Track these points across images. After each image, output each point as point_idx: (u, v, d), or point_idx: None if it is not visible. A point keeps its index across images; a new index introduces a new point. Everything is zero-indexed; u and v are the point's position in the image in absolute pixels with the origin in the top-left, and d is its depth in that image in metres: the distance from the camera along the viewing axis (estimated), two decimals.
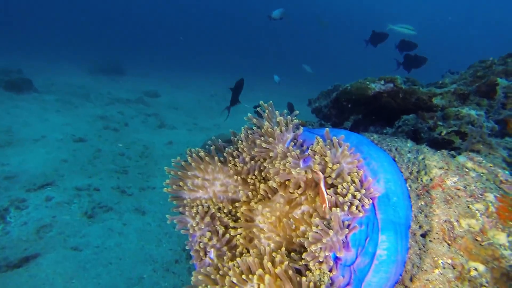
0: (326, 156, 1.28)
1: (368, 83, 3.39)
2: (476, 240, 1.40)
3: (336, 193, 1.29)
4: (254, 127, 1.59)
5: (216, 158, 1.58)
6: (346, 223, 1.24)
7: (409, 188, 1.65)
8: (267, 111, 1.53)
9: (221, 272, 1.29)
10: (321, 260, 1.18)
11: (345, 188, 1.26)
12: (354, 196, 1.24)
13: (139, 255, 3.91)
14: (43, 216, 4.11)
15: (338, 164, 1.28)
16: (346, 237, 1.22)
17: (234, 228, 1.49)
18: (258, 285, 1.14)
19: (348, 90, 3.50)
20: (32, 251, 3.53)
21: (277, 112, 1.57)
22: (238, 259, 1.30)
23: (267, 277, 1.12)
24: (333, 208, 1.17)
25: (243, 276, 1.20)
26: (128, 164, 6.55)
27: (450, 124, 2.26)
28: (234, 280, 1.22)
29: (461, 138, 2.07)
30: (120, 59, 17.46)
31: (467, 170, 1.59)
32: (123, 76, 15.93)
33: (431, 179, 1.62)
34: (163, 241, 4.33)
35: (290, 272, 1.18)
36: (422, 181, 1.64)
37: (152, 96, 12.68)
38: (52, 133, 6.93)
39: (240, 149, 1.58)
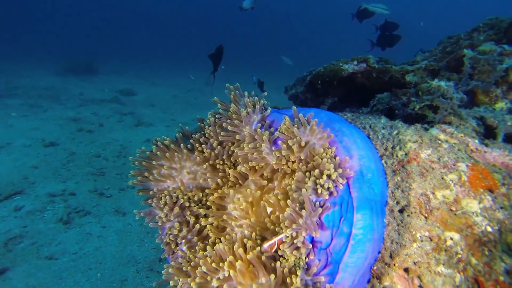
0: (295, 135, 1.21)
1: (341, 64, 3.35)
2: (451, 210, 1.38)
3: (306, 171, 1.22)
4: (221, 111, 1.51)
5: (182, 145, 1.49)
6: (318, 204, 1.18)
7: (385, 165, 1.62)
8: (232, 93, 1.45)
9: (192, 263, 1.21)
10: (298, 244, 1.12)
11: (316, 167, 1.20)
12: (328, 176, 1.18)
13: (120, 257, 3.78)
14: (12, 227, 3.87)
15: (303, 143, 1.21)
16: (319, 218, 1.16)
17: (205, 217, 1.40)
18: (229, 272, 1.07)
19: (321, 73, 3.45)
20: (0, 265, 3.30)
21: (245, 93, 1.49)
22: (208, 248, 1.23)
23: (238, 263, 1.05)
24: (303, 190, 1.11)
25: (214, 265, 1.13)
26: (105, 165, 6.32)
27: (423, 99, 2.25)
28: (205, 269, 1.15)
29: (434, 111, 2.06)
30: (91, 58, 16.80)
31: (440, 142, 1.57)
32: (96, 76, 15.35)
33: (406, 154, 1.59)
34: (145, 240, 4.20)
35: (263, 257, 1.11)
36: (397, 156, 1.61)
37: (127, 95, 12.29)
38: (18, 139, 6.56)
39: (207, 135, 1.49)
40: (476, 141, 1.56)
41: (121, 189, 5.50)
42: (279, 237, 1.15)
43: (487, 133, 1.73)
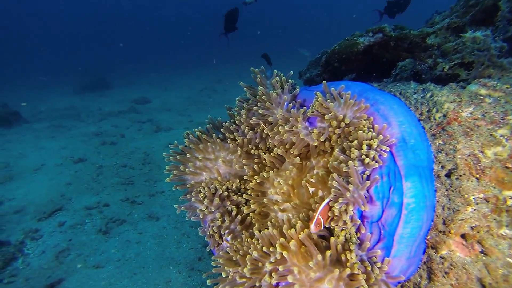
0: (329, 111, 1.16)
1: (356, 38, 3.23)
2: (507, 167, 1.29)
3: (349, 147, 1.17)
4: (248, 95, 1.47)
5: (214, 135, 1.47)
6: (365, 176, 1.13)
7: None
8: (258, 76, 1.41)
9: (241, 252, 1.19)
10: (346, 220, 1.08)
11: (359, 139, 1.14)
12: (369, 146, 1.13)
13: (161, 260, 3.86)
14: (59, 242, 4.06)
15: (341, 116, 1.16)
16: (368, 191, 1.11)
17: (246, 205, 1.38)
18: (281, 254, 1.04)
19: (336, 50, 3.34)
20: (56, 277, 3.49)
21: (275, 72, 1.45)
22: (256, 233, 1.20)
23: (292, 242, 1.02)
24: (349, 162, 1.06)
25: (264, 249, 1.10)
26: (132, 174, 6.46)
27: (452, 58, 2.13)
28: (256, 255, 1.13)
29: (467, 69, 1.94)
30: (103, 73, 17.21)
31: (481, 97, 1.47)
32: (110, 89, 15.71)
33: (444, 115, 1.50)
34: (182, 242, 4.27)
35: (315, 237, 1.08)
36: (435, 119, 1.52)
37: (142, 103, 12.50)
38: (51, 159, 6.84)
39: (237, 122, 1.46)
40: None
41: (151, 194, 5.61)
42: (320, 208, 1.09)
43: None
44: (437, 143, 1.47)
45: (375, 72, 3.51)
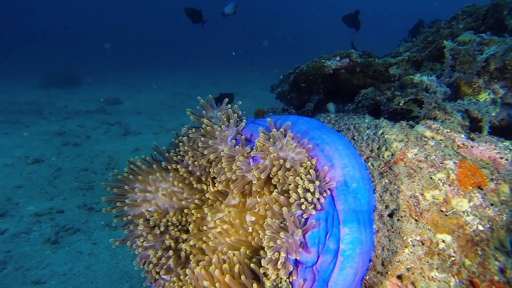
0: (269, 152, 1.14)
1: (323, 61, 3.28)
2: (441, 211, 1.32)
3: (288, 190, 1.15)
4: (194, 126, 1.42)
5: (155, 166, 1.40)
6: (303, 220, 1.11)
7: (371, 167, 1.56)
8: (204, 106, 1.36)
9: None
10: (278, 266, 1.05)
11: (297, 183, 1.12)
12: (308, 190, 1.11)
13: (113, 274, 3.67)
14: None
15: (281, 160, 1.14)
16: (303, 236, 1.09)
17: (185, 241, 1.32)
18: None
19: (304, 71, 3.38)
20: None
21: (218, 109, 1.41)
22: (188, 272, 1.15)
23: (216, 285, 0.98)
24: (284, 208, 1.04)
25: None
26: (94, 178, 6.17)
27: (408, 93, 2.20)
28: None
29: (419, 106, 2.00)
30: (73, 68, 16.47)
31: (426, 139, 1.51)
32: (79, 86, 15.05)
33: (392, 154, 1.53)
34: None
35: (243, 277, 1.04)
36: (383, 157, 1.55)
37: (113, 104, 12.07)
38: (0, 158, 6.37)
39: (182, 152, 1.40)
40: (463, 135, 1.51)
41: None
42: None
43: (473, 126, 1.68)
44: (383, 182, 1.49)
45: (341, 95, 3.57)
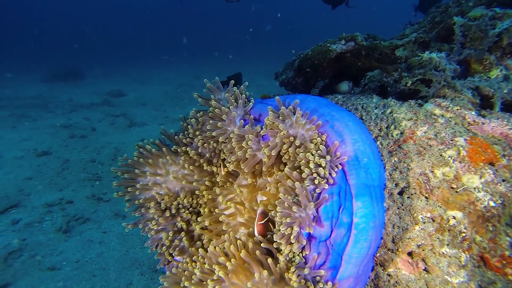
0: (280, 130, 1.14)
1: (328, 45, 3.25)
2: (452, 188, 1.32)
3: (299, 166, 1.16)
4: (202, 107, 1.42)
5: (165, 149, 1.41)
6: (316, 195, 1.12)
7: (380, 146, 1.55)
8: (210, 87, 1.36)
9: (186, 272, 1.15)
10: (292, 240, 1.06)
11: (308, 158, 1.13)
12: (319, 165, 1.12)
13: (123, 261, 3.75)
14: (10, 241, 3.82)
15: (291, 137, 1.14)
16: (317, 210, 1.10)
17: (196, 222, 1.34)
18: (225, 273, 1.02)
19: (309, 56, 3.35)
20: (0, 282, 3.25)
21: (235, 89, 1.41)
22: (201, 251, 1.17)
23: (228, 263, 1.00)
24: (297, 183, 1.04)
25: (207, 267, 1.08)
26: (101, 169, 6.23)
27: (415, 73, 2.17)
28: (199, 276, 1.10)
29: (427, 85, 1.98)
30: (77, 62, 16.48)
31: (435, 117, 1.50)
32: (83, 80, 15.08)
33: (401, 133, 1.52)
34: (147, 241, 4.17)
35: (258, 253, 1.05)
36: (392, 136, 1.54)
37: (117, 96, 12.10)
38: (9, 151, 6.44)
39: (191, 135, 1.41)
40: (473, 113, 1.49)
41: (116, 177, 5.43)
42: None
43: (484, 103, 1.66)
44: (393, 161, 1.49)
45: (346, 79, 3.54)
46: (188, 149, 1.42)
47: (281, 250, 1.10)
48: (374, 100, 1.76)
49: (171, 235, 1.32)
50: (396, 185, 1.42)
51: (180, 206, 1.41)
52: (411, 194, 1.38)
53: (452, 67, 1.64)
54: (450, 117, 1.50)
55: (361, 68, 3.26)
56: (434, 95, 1.75)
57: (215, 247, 1.16)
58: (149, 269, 3.63)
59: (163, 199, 1.38)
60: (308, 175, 1.11)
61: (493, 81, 1.53)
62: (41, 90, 11.92)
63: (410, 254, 1.32)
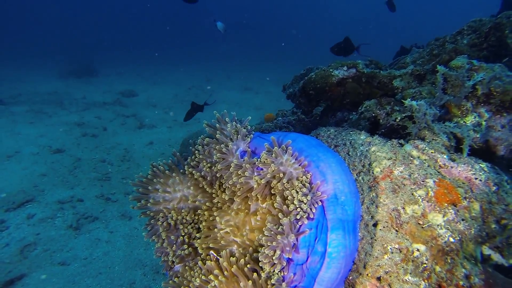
0: (271, 168, 1.36)
1: (331, 70, 3.47)
2: (419, 223, 1.52)
3: (285, 200, 1.37)
4: (207, 139, 1.66)
5: (176, 169, 1.65)
6: (298, 226, 1.34)
7: (362, 181, 1.76)
8: (217, 124, 1.59)
9: (185, 281, 1.38)
10: (275, 261, 1.28)
11: (293, 196, 1.35)
12: (301, 202, 1.33)
13: (128, 261, 3.99)
14: (26, 235, 4.11)
15: (281, 173, 1.36)
16: (297, 239, 1.32)
17: (196, 237, 1.57)
18: (219, 282, 1.25)
19: (312, 79, 3.57)
20: (17, 272, 3.54)
21: (231, 123, 1.64)
22: (200, 263, 1.40)
23: (222, 275, 1.23)
24: (284, 218, 1.27)
25: (204, 278, 1.30)
26: (110, 170, 6.53)
27: (405, 109, 2.37)
28: (197, 284, 1.33)
29: (414, 122, 2.18)
30: (91, 59, 16.94)
31: (412, 158, 1.70)
32: (97, 77, 15.53)
33: (381, 171, 1.73)
34: (151, 244, 4.41)
35: (245, 269, 1.28)
36: (373, 173, 1.75)
37: (128, 96, 12.47)
38: (27, 147, 6.79)
39: (197, 159, 1.65)
40: (445, 156, 1.69)
41: (127, 193, 5.70)
42: None
43: (458, 146, 1.85)
44: (371, 195, 1.70)
45: (347, 103, 3.76)
46: (194, 171, 1.65)
47: (264, 268, 1.32)
48: (362, 137, 1.97)
49: (174, 247, 1.55)
50: (372, 217, 1.63)
51: (184, 221, 1.64)
52: (384, 227, 1.58)
53: (433, 111, 1.85)
54: (424, 159, 1.70)
55: (361, 93, 3.47)
56: (416, 134, 1.96)
57: (211, 261, 1.39)
58: (152, 271, 3.87)
59: (170, 214, 1.61)
60: (293, 209, 1.33)
61: (464, 128, 1.73)
62: (57, 87, 12.35)
63: (378, 279, 1.53)
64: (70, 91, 12.02)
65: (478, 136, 1.83)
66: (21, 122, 8.27)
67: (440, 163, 1.67)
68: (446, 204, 1.52)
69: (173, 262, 1.60)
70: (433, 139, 1.80)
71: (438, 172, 1.64)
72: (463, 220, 1.50)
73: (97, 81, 14.78)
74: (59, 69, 14.97)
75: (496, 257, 1.52)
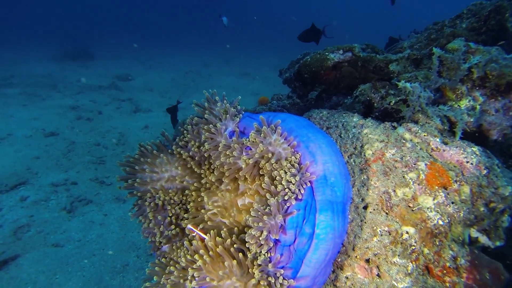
0: (260, 148, 1.33)
1: (327, 53, 3.40)
2: (409, 206, 1.51)
3: (274, 180, 1.35)
4: (196, 117, 1.62)
5: (164, 150, 1.62)
6: (286, 206, 1.32)
7: (353, 163, 1.74)
8: (206, 103, 1.55)
9: (171, 262, 1.37)
10: (261, 242, 1.27)
11: (281, 176, 1.32)
12: (290, 182, 1.31)
13: (121, 243, 4.01)
14: (20, 217, 4.10)
15: (270, 153, 1.33)
16: (284, 221, 1.30)
17: (184, 218, 1.55)
18: (204, 262, 1.23)
19: (308, 63, 3.50)
20: (11, 253, 3.55)
21: (219, 102, 1.59)
22: (186, 243, 1.39)
23: (205, 256, 1.22)
24: (272, 198, 1.24)
25: (189, 257, 1.29)
26: (105, 153, 6.49)
27: (399, 93, 2.33)
28: (183, 264, 1.31)
29: (408, 106, 2.15)
30: (88, 42, 16.64)
31: (404, 141, 1.68)
32: (93, 61, 15.28)
33: (373, 153, 1.70)
34: None
35: (232, 249, 1.26)
36: (365, 155, 1.72)
37: (124, 80, 12.30)
38: (19, 129, 6.72)
39: (186, 139, 1.61)
40: (438, 139, 1.67)
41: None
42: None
43: (452, 130, 1.83)
44: (362, 178, 1.68)
45: (342, 87, 3.70)
46: (182, 151, 1.62)
47: (250, 249, 1.31)
48: (354, 119, 1.94)
49: (162, 228, 1.54)
50: (362, 200, 1.61)
51: (172, 201, 1.62)
52: (374, 210, 1.57)
53: (427, 94, 1.81)
54: (417, 142, 1.67)
55: (357, 78, 3.42)
56: (410, 118, 1.92)
57: (197, 242, 1.37)
58: (145, 253, 3.89)
59: (157, 194, 1.59)
60: (281, 190, 1.31)
61: (458, 112, 1.70)
62: (51, 69, 12.15)
63: (367, 261, 1.52)
64: (65, 74, 11.83)
65: (471, 120, 1.80)
66: (13, 105, 8.16)
67: (432, 146, 1.64)
68: (436, 187, 1.51)
69: (160, 242, 1.59)
70: (426, 122, 1.77)
71: (430, 155, 1.61)
72: (452, 203, 1.49)
73: (93, 64, 14.55)
74: (54, 52, 14.70)
75: (483, 239, 1.52)
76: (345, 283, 1.51)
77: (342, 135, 1.87)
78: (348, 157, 1.76)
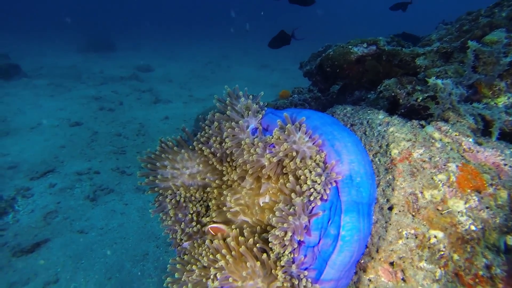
0: (284, 146, 1.30)
1: (350, 47, 3.29)
2: (438, 209, 1.44)
3: (298, 179, 1.32)
4: (218, 114, 1.60)
5: (185, 146, 1.61)
6: (310, 207, 1.29)
7: (378, 163, 1.68)
8: (228, 99, 1.53)
9: (192, 260, 1.37)
10: (286, 243, 1.25)
11: (306, 176, 1.29)
12: (315, 182, 1.27)
13: (142, 233, 4.11)
14: (48, 203, 4.29)
15: (294, 152, 1.30)
16: (309, 221, 1.27)
17: (205, 215, 1.55)
18: (226, 262, 1.22)
19: (330, 56, 3.40)
20: (42, 236, 3.74)
21: (242, 97, 1.57)
22: (208, 242, 1.38)
23: (228, 256, 1.21)
24: (297, 198, 1.22)
25: (211, 257, 1.29)
26: (126, 144, 6.63)
27: (427, 89, 2.23)
28: (205, 263, 1.31)
29: (437, 103, 2.05)
30: (109, 33, 16.96)
31: (433, 141, 1.60)
32: (114, 52, 15.57)
33: (399, 152, 1.64)
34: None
35: (255, 249, 1.25)
36: (390, 154, 1.66)
37: (145, 71, 12.48)
38: (48, 119, 6.98)
39: (207, 135, 1.60)
40: (470, 140, 1.58)
41: (141, 167, 5.79)
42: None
43: (487, 129, 1.73)
44: (388, 178, 1.62)
45: (365, 81, 3.59)
46: (203, 147, 1.61)
47: (273, 249, 1.29)
48: (380, 117, 1.87)
49: (183, 225, 1.54)
50: (387, 201, 1.56)
51: (193, 198, 1.62)
52: (399, 211, 1.51)
53: (459, 91, 1.71)
54: (447, 142, 1.59)
55: (381, 72, 3.30)
56: (439, 116, 1.83)
57: (219, 240, 1.37)
58: (164, 243, 3.97)
59: (178, 191, 1.59)
60: (306, 190, 1.28)
61: (495, 110, 1.60)
62: (76, 60, 12.47)
63: (391, 264, 1.48)
64: (88, 65, 12.12)
65: (510, 119, 1.69)
66: (42, 95, 8.46)
67: (464, 146, 1.56)
68: (469, 191, 1.43)
69: (181, 239, 1.59)
70: (458, 121, 1.68)
71: (462, 156, 1.53)
72: (487, 208, 1.41)
73: (115, 55, 14.83)
74: (78, 43, 15.08)
75: None
76: (368, 285, 1.47)
77: (367, 133, 1.80)
78: (373, 156, 1.70)
